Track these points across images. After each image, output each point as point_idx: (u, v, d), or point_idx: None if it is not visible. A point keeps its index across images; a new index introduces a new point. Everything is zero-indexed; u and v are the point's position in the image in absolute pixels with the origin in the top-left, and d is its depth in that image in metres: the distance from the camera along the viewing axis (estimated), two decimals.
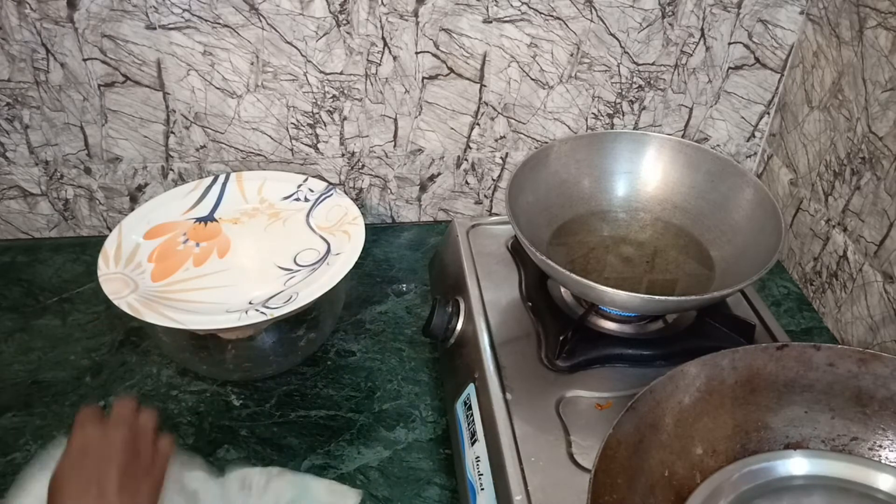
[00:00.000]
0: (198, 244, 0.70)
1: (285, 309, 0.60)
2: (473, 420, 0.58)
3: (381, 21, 0.74)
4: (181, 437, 0.63)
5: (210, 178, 0.75)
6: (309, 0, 0.72)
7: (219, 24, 0.72)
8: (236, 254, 0.69)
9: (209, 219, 0.73)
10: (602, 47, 0.79)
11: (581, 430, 0.55)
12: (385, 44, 0.76)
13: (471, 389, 0.60)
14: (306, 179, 0.76)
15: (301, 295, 0.61)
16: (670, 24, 0.78)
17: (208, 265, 0.68)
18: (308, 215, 0.73)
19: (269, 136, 0.81)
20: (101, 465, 0.44)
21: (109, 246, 0.66)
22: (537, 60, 0.79)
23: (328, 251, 0.68)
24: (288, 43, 0.74)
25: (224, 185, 0.75)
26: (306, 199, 0.75)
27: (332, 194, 0.74)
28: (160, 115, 0.78)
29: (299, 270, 0.66)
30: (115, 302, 0.60)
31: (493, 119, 0.83)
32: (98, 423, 0.46)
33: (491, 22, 0.76)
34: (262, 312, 0.60)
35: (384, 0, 0.73)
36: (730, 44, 0.81)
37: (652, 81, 0.82)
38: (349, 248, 0.67)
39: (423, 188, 0.88)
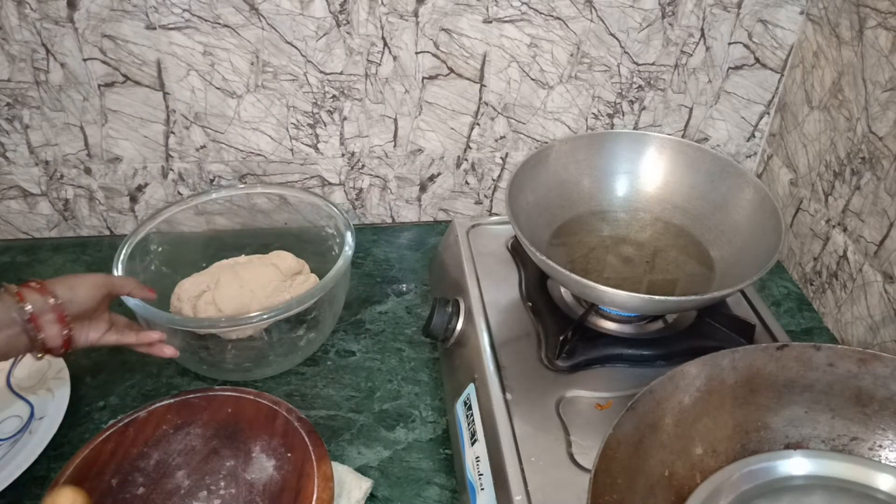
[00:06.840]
0: None
1: None
2: (473, 420, 0.58)
3: (381, 21, 0.74)
4: None
5: None
6: (309, 0, 0.72)
7: (219, 24, 0.72)
8: None
9: None
10: (602, 47, 0.79)
11: (581, 430, 0.55)
12: (385, 44, 0.76)
13: (471, 389, 0.60)
14: None
15: None
16: (670, 24, 0.78)
17: None
18: (9, 375, 0.64)
19: (269, 136, 0.81)
20: None
21: None
22: (537, 60, 0.79)
23: (31, 415, 0.60)
24: (288, 43, 0.74)
25: None
26: None
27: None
28: (160, 115, 0.78)
29: None
30: None
31: (493, 119, 0.83)
32: None
33: (491, 22, 0.76)
34: None
35: (384, 0, 0.73)
36: (730, 44, 0.81)
37: (652, 81, 0.82)
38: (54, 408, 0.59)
39: (423, 188, 0.88)
